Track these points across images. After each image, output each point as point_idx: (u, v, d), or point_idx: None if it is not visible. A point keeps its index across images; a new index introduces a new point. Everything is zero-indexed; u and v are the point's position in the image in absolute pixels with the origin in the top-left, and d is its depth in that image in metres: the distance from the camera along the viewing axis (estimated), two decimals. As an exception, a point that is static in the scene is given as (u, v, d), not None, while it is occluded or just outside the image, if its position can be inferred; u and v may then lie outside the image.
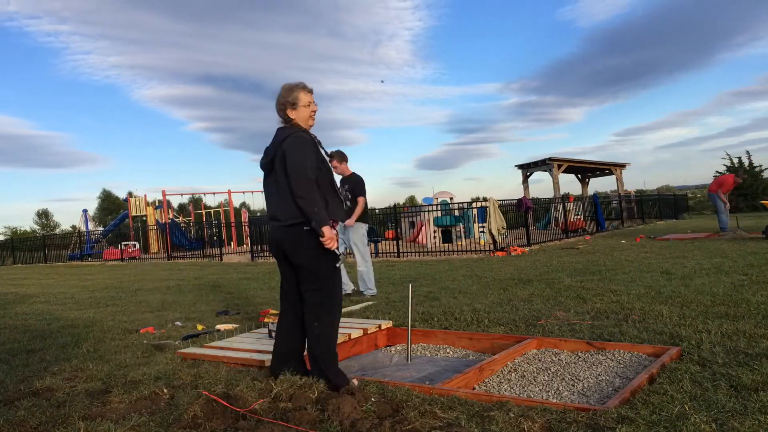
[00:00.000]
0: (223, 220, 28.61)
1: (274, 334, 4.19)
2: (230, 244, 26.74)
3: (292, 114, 3.34)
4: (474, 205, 16.60)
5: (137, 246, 24.88)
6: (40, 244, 27.75)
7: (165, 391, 3.25)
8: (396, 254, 13.86)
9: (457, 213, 16.36)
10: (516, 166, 23.28)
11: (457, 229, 16.26)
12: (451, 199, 19.19)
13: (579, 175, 26.79)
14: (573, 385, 3.20)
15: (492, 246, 12.93)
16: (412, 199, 64.50)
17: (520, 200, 14.30)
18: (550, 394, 3.10)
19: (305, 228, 3.15)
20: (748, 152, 32.15)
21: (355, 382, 3.10)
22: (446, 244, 15.88)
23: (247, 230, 22.65)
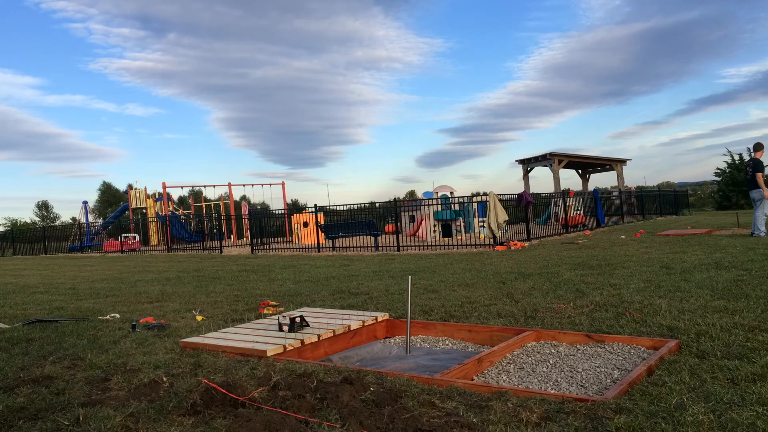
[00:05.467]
0: (223, 213, 28.62)
1: (286, 327, 4.20)
2: (230, 237, 26.74)
3: None
4: (474, 199, 16.59)
5: (137, 238, 24.88)
6: (40, 235, 27.78)
7: (164, 379, 3.26)
8: (396, 248, 13.87)
9: (457, 207, 16.36)
10: (516, 161, 23.33)
11: (457, 224, 16.26)
12: (451, 193, 19.19)
13: (579, 171, 26.79)
14: (571, 377, 3.21)
15: (492, 240, 12.93)
16: (412, 193, 64.45)
17: (520, 195, 14.29)
18: (548, 385, 3.11)
19: None
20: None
21: None
22: (446, 239, 15.89)
23: (247, 223, 22.65)
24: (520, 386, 3.10)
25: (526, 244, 12.61)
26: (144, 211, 29.73)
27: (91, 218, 30.33)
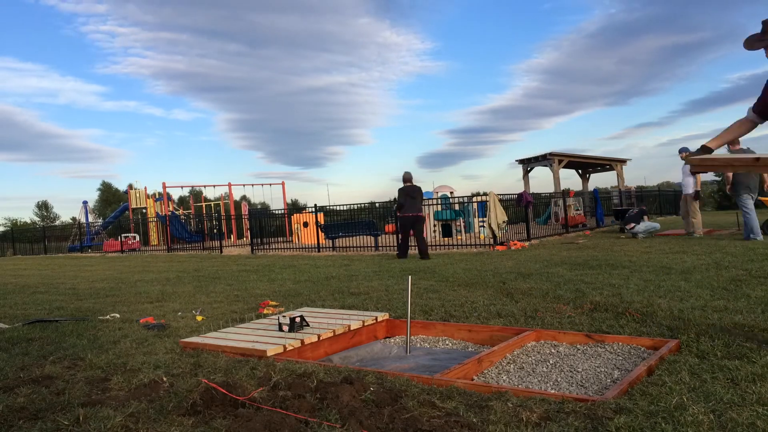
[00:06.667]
0: (223, 213, 28.62)
1: (286, 327, 4.20)
2: (230, 237, 26.75)
3: None
4: (474, 199, 16.59)
5: (137, 238, 24.90)
6: (40, 235, 27.80)
7: (164, 379, 3.26)
8: (396, 248, 13.85)
9: (457, 207, 16.36)
10: (516, 161, 23.34)
11: (457, 224, 16.27)
12: (451, 193, 19.20)
13: (579, 171, 26.78)
14: (571, 377, 3.21)
15: (492, 240, 12.93)
16: (412, 193, 64.30)
17: (520, 195, 14.29)
18: (548, 385, 3.11)
19: None
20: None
21: None
22: (446, 239, 15.90)
23: (247, 223, 22.65)
24: (520, 386, 3.10)
25: (526, 244, 12.60)
26: (144, 211, 29.75)
27: (91, 218, 30.36)
